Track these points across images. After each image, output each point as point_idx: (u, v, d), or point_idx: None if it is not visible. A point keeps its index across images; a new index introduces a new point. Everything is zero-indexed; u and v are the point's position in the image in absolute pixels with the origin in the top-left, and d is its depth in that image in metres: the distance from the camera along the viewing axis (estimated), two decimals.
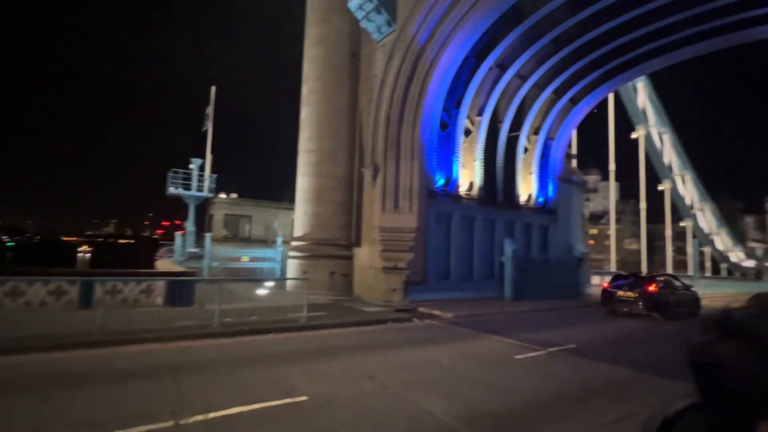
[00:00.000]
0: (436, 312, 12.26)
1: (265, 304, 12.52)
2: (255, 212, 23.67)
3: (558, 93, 18.82)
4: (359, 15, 15.03)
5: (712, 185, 54.45)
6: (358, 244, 15.81)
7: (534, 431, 4.70)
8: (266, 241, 21.24)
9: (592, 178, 72.68)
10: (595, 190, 77.01)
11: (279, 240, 19.23)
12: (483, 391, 5.81)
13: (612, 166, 36.13)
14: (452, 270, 15.93)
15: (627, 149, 40.07)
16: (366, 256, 15.20)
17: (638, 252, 47.46)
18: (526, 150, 19.48)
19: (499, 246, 17.33)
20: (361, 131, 16.14)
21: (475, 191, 17.16)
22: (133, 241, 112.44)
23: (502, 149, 18.28)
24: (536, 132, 19.56)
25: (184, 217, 21.89)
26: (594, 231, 69.65)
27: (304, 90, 17.17)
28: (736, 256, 49.89)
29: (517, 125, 18.62)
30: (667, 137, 42.37)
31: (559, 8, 14.04)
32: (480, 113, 17.05)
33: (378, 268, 14.38)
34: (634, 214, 55.63)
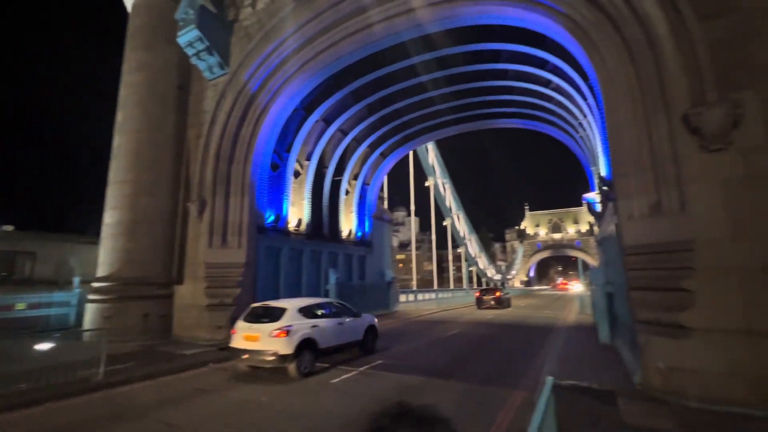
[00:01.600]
0: None
1: (48, 363, 9.33)
2: (41, 248, 17.87)
3: (372, 147, 20.94)
4: (189, 51, 13.64)
5: (476, 222, 68.88)
6: (180, 281, 13.60)
7: None
8: (57, 283, 16.17)
9: (400, 215, 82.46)
10: (402, 224, 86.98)
11: (76, 281, 14.94)
12: (298, 428, 5.57)
13: (412, 207, 41.78)
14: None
15: (424, 193, 47.31)
16: (189, 293, 13.18)
17: (432, 272, 55.66)
18: (347, 192, 20.75)
19: (326, 274, 17.64)
20: (188, 165, 14.32)
21: (303, 227, 17.18)
22: None
23: (328, 190, 19.04)
24: (356, 177, 21.14)
25: None
26: (402, 256, 78.32)
27: (120, 116, 14.31)
28: (490, 272, 63.70)
29: (340, 171, 19.76)
30: (448, 186, 51.79)
31: (365, 86, 15.83)
32: (308, 158, 17.45)
33: (202, 305, 12.61)
34: (430, 242, 65.91)
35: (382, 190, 28.49)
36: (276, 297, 15.01)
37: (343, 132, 18.60)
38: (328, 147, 18.57)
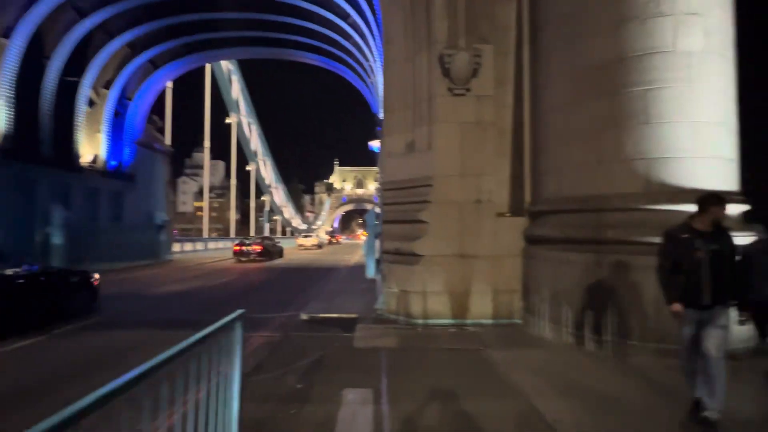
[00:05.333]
0: None
1: None
2: None
3: (134, 48, 15.84)
4: None
5: (287, 172, 67.21)
6: None
7: None
8: None
9: (200, 156, 71.58)
10: (202, 168, 75.96)
11: None
12: None
13: (207, 143, 36.27)
14: None
15: (226, 132, 41.60)
16: None
17: (239, 221, 51.55)
18: (92, 103, 15.28)
19: (46, 214, 12.69)
20: None
21: None
22: None
23: (51, 93, 13.33)
24: (108, 85, 15.74)
25: None
26: (202, 204, 69.65)
27: None
28: (297, 222, 64.30)
29: (78, 70, 14.12)
30: (255, 127, 47.53)
31: None
32: (5, 35, 11.45)
33: None
34: (239, 188, 59.92)
35: (160, 116, 22.84)
36: None
37: (79, 10, 13.06)
38: (50, 26, 12.68)
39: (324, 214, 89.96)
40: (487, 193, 6.83)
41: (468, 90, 6.88)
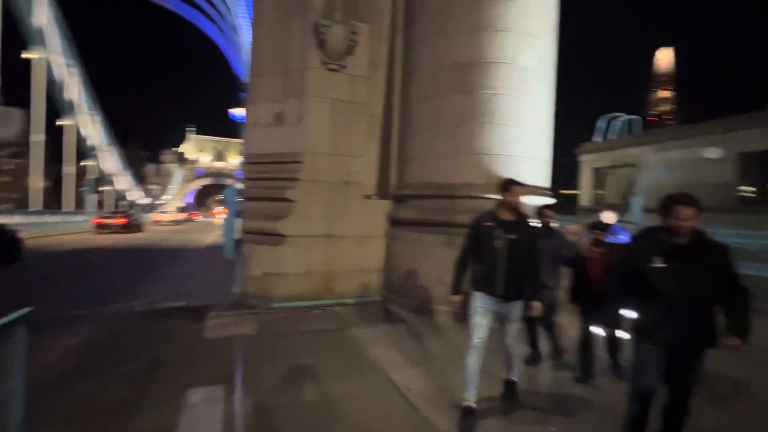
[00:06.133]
0: None
1: None
2: None
3: None
4: None
5: (122, 133, 55.02)
6: None
7: None
8: None
9: None
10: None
11: None
12: None
13: None
14: None
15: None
16: None
17: (50, 189, 39.99)
18: None
19: None
20: None
21: None
22: None
23: None
24: None
25: None
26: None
27: None
28: (136, 194, 54.00)
29: None
30: (76, 72, 37.33)
31: None
32: None
33: None
34: (51, 147, 45.32)
35: None
36: None
37: None
38: None
39: (174, 187, 78.10)
40: (356, 175, 6.88)
41: (343, 67, 6.71)
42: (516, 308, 3.09)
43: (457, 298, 3.15)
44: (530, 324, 3.95)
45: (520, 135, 6.30)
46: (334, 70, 6.68)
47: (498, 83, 6.15)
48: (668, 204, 2.23)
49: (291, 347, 4.57)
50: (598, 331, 3.85)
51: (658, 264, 2.21)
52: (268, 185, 6.71)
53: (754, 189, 12.51)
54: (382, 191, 7.24)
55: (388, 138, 7.29)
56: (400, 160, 7.14)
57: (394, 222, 6.89)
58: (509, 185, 3.08)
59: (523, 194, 3.11)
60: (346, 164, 6.76)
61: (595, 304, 3.58)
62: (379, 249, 6.94)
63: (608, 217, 6.07)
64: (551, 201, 6.55)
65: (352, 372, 3.91)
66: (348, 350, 4.54)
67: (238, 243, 11.57)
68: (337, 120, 6.71)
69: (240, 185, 9.85)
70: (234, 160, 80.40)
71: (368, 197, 7.01)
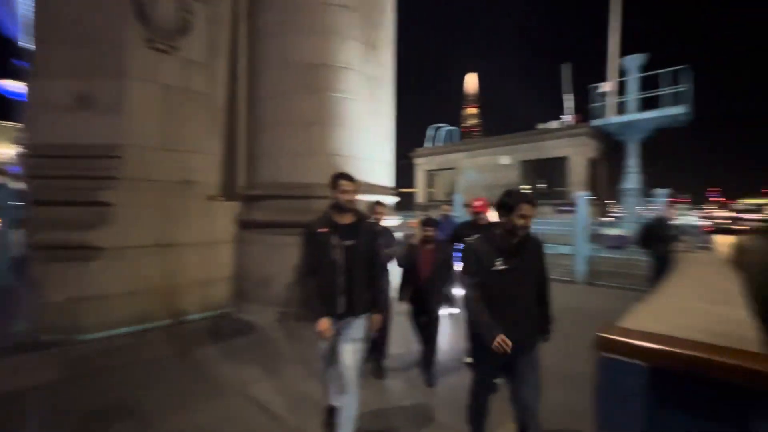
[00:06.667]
0: None
1: None
2: None
3: None
4: None
5: None
6: None
7: None
8: None
9: None
10: None
11: None
12: None
13: None
14: None
15: None
16: None
17: None
18: None
19: None
20: None
21: None
22: None
23: None
24: None
25: None
26: None
27: None
28: None
29: None
30: None
31: None
32: None
33: None
34: None
35: None
36: None
37: None
38: None
39: None
40: (196, 173, 6.08)
41: (174, 48, 5.80)
42: (357, 326, 2.53)
43: (326, 324, 2.43)
44: (380, 336, 3.68)
45: (367, 138, 6.75)
46: (164, 51, 5.71)
47: (347, 87, 6.43)
48: (512, 202, 2.07)
49: (118, 385, 3.73)
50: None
51: (500, 266, 2.09)
52: (71, 185, 5.24)
53: (530, 187, 16.80)
54: (229, 192, 6.62)
55: (234, 134, 6.71)
56: (249, 158, 6.67)
57: (245, 225, 6.41)
58: (336, 180, 2.57)
59: (354, 189, 2.59)
60: (182, 161, 5.89)
61: (424, 300, 3.56)
62: (227, 255, 6.33)
63: (447, 210, 7.11)
64: (395, 199, 7.24)
65: (206, 398, 3.47)
66: (196, 373, 4.00)
67: (19, 263, 8.72)
68: (170, 109, 5.77)
69: (19, 184, 7.38)
70: (4, 150, 59.12)
71: (212, 198, 6.29)
